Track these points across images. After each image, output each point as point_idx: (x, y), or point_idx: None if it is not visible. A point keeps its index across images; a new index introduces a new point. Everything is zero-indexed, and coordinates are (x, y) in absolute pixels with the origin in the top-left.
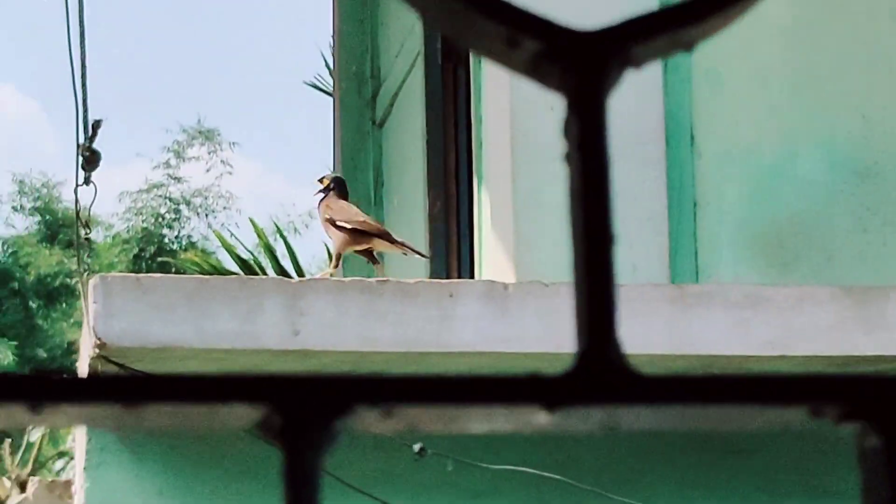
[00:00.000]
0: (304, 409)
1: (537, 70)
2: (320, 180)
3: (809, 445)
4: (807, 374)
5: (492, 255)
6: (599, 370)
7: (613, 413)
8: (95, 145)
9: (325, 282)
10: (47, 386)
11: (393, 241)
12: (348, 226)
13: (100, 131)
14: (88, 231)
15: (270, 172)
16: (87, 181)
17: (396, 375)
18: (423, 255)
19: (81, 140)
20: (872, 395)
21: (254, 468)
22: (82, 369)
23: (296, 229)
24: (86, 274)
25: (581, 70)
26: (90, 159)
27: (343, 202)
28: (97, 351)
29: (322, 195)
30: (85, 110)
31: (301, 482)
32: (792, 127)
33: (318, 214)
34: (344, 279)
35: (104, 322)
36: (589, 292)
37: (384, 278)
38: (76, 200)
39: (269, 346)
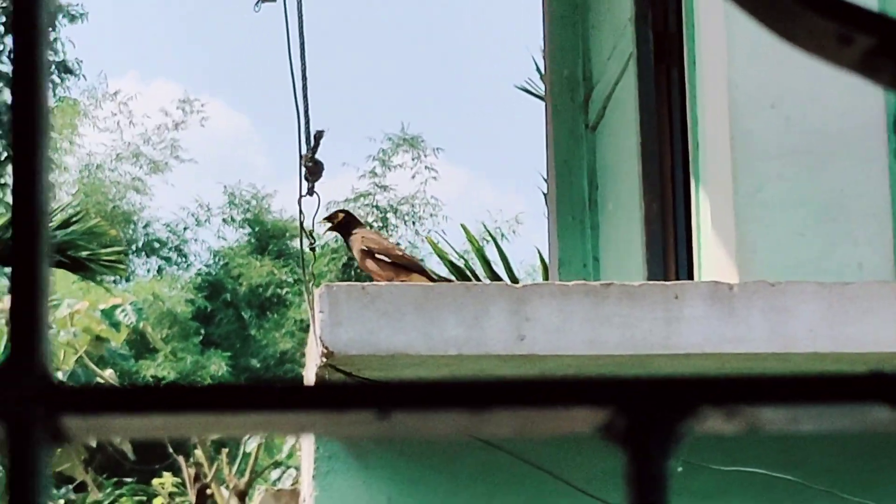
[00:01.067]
0: (650, 411)
1: (869, 66)
2: (329, 218)
3: None
4: None
5: (712, 257)
6: None
7: None
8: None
9: (549, 286)
10: (395, 392)
11: (429, 277)
12: (388, 259)
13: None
14: (313, 241)
15: (476, 178)
16: (310, 192)
17: (741, 375)
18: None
19: (304, 151)
20: None
21: (483, 475)
22: (309, 379)
23: (503, 234)
24: (311, 284)
25: None
26: (313, 170)
27: (376, 234)
28: (324, 360)
29: (335, 231)
30: (307, 121)
31: (648, 485)
32: None
33: (351, 245)
34: (568, 283)
35: (331, 331)
36: None
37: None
38: (300, 211)
39: (495, 352)
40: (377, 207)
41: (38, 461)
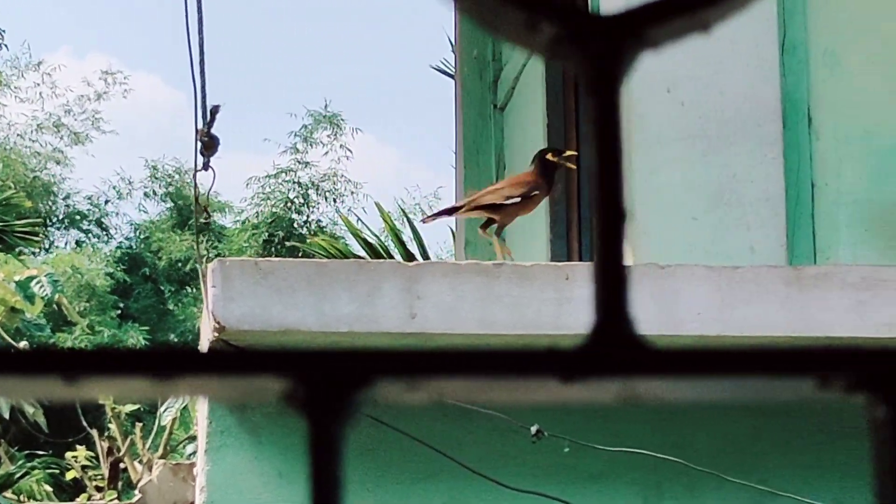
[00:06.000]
0: (326, 381)
1: (556, 53)
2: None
3: None
4: (815, 347)
5: None
6: (612, 343)
7: (629, 385)
8: (214, 131)
9: (441, 265)
10: (80, 358)
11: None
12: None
13: (218, 116)
14: (208, 216)
15: (399, 156)
16: (205, 166)
17: (419, 349)
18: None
19: (200, 126)
20: (878, 367)
21: (373, 450)
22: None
23: (422, 211)
24: (205, 258)
25: (595, 53)
26: (208, 144)
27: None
28: (216, 335)
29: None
30: (203, 96)
31: (324, 451)
32: None
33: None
34: (460, 262)
35: (223, 306)
36: (602, 269)
37: (501, 262)
38: (195, 185)
39: (387, 329)
40: (299, 184)
41: None
